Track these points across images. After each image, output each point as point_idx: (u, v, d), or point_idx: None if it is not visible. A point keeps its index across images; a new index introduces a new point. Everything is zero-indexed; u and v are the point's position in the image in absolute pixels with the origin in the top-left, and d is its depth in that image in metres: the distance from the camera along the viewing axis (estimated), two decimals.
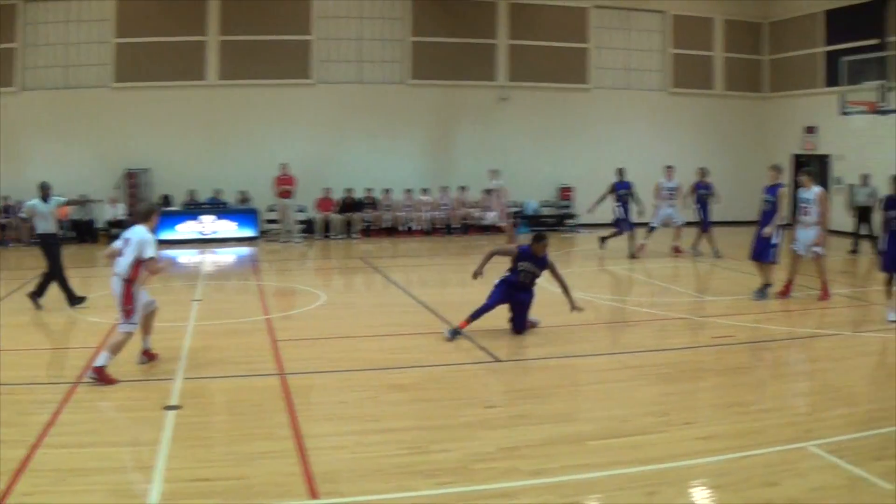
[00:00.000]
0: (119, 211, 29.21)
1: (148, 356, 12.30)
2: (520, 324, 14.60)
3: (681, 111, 35.97)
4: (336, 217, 31.31)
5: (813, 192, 17.83)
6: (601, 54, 35.25)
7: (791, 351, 14.33)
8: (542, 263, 14.59)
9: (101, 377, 11.10)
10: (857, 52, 28.85)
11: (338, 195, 31.61)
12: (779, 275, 18.51)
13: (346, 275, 24.09)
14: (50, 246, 17.06)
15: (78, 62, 30.27)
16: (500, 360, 13.05)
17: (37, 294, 16.78)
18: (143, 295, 12.03)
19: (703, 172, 25.63)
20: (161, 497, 7.63)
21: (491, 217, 29.28)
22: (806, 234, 17.94)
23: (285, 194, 29.38)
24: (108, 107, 30.32)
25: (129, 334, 11.74)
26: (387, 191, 32.12)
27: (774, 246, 17.97)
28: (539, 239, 14.63)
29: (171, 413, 9.96)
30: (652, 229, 25.64)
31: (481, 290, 14.91)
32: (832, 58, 31.14)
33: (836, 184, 30.95)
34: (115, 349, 11.49)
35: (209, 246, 28.58)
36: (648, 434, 9.45)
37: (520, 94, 34.06)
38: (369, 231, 31.68)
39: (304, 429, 9.44)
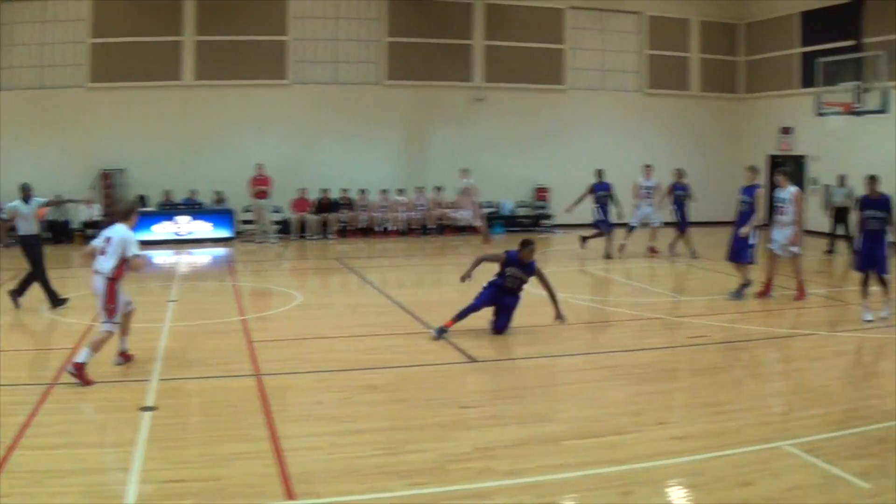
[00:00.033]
0: (94, 211, 29.07)
1: (124, 357, 12.24)
2: (500, 325, 14.60)
3: (656, 112, 36.08)
4: (312, 217, 31.26)
5: (789, 191, 17.93)
6: (577, 55, 35.32)
7: (767, 351, 14.39)
8: (530, 270, 14.60)
9: (80, 374, 11.05)
10: (832, 53, 28.99)
11: (313, 196, 31.56)
12: (757, 275, 18.58)
13: (321, 275, 24.04)
14: (32, 247, 16.96)
15: (53, 62, 30.10)
16: (475, 361, 13.04)
17: (17, 293, 16.71)
18: (122, 295, 11.99)
19: (679, 173, 25.71)
20: (137, 498, 7.59)
21: (462, 215, 29.21)
22: (782, 234, 18.05)
23: (261, 195, 29.31)
24: (83, 107, 30.18)
25: (110, 333, 11.73)
26: (362, 191, 32.06)
27: (752, 246, 18.08)
28: (526, 245, 14.60)
29: (147, 414, 9.91)
30: (631, 229, 25.77)
31: (457, 291, 14.96)
32: (808, 59, 31.30)
33: (811, 184, 31.08)
34: (96, 347, 11.47)
35: (185, 247, 28.47)
36: (623, 434, 9.46)
37: (495, 95, 34.09)
38: (345, 232, 31.63)
39: (279, 430, 9.41)
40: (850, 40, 29.49)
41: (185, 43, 31.06)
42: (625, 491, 7.86)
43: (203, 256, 27.28)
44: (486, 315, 14.65)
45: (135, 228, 12.12)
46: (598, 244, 25.57)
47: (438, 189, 32.57)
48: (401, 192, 32.60)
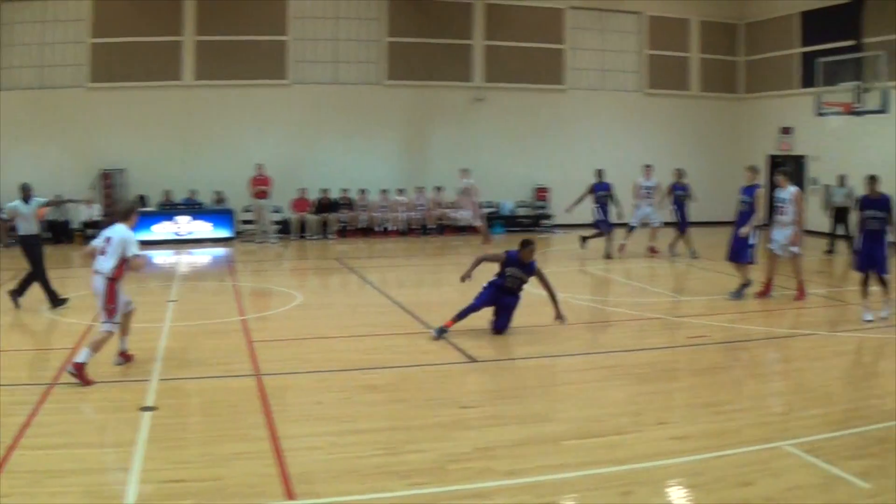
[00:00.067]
0: (94, 211, 29.07)
1: (124, 357, 12.24)
2: (500, 325, 14.60)
3: (656, 112, 36.08)
4: (312, 217, 31.26)
5: (789, 191, 17.94)
6: (577, 55, 35.32)
7: (767, 351, 14.38)
8: (530, 270, 14.59)
9: (81, 373, 11.06)
10: (832, 53, 28.98)
11: (313, 196, 31.55)
12: (756, 275, 18.59)
13: (321, 275, 24.03)
14: (32, 247, 16.95)
15: (53, 62, 30.09)
16: (475, 361, 13.03)
17: (17, 293, 16.71)
18: (122, 295, 12.00)
19: (679, 174, 25.72)
20: (137, 498, 7.58)
21: (462, 215, 29.21)
22: (782, 234, 18.07)
23: (261, 195, 29.30)
24: (83, 107, 30.16)
25: (110, 333, 11.76)
26: (362, 191, 32.06)
27: (752, 246, 18.09)
28: (526, 245, 14.60)
29: (147, 414, 9.91)
30: (632, 229, 25.79)
31: (458, 291, 14.95)
32: (808, 59, 31.29)
33: (811, 184, 31.08)
34: (96, 347, 11.49)
35: (184, 247, 28.46)
36: (623, 434, 9.46)
37: (495, 95, 34.09)
38: (345, 231, 31.62)
39: (279, 430, 9.41)
40: (850, 40, 29.49)
41: (185, 43, 31.06)
42: (625, 491, 7.86)
43: (203, 256, 27.27)
44: (485, 315, 14.65)
45: (135, 228, 12.14)
46: (598, 244, 25.57)
47: (438, 189, 32.56)
48: (401, 192, 32.60)
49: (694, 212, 26.01)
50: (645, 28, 35.98)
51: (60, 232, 28.77)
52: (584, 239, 25.84)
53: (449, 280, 19.11)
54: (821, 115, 28.40)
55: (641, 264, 24.52)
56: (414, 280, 23.36)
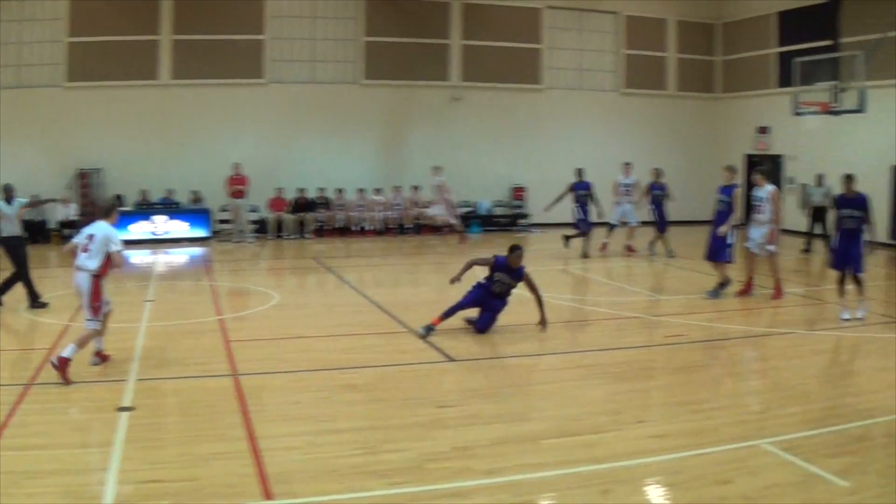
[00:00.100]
0: (71, 211, 28.94)
1: (101, 357, 12.20)
2: (483, 325, 14.60)
3: (634, 112, 36.15)
4: (289, 217, 31.18)
5: (766, 190, 18.04)
6: (554, 55, 35.33)
7: (744, 349, 14.44)
8: (518, 275, 14.64)
9: (63, 368, 11.06)
10: (810, 53, 29.02)
11: (290, 195, 31.46)
12: (735, 274, 18.68)
13: (299, 275, 23.97)
14: (15, 248, 16.83)
15: (30, 62, 29.85)
16: (453, 360, 13.02)
17: None
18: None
19: (657, 173, 25.78)
20: (115, 499, 7.56)
21: (435, 212, 29.18)
22: (759, 232, 18.17)
23: (238, 194, 29.21)
24: (60, 106, 29.95)
25: (95, 330, 11.82)
26: (340, 190, 31.99)
27: (730, 245, 18.17)
28: (513, 250, 14.66)
29: (125, 414, 9.87)
30: (612, 227, 25.86)
31: (434, 291, 14.99)
32: (785, 59, 31.34)
33: (788, 183, 31.20)
34: (82, 343, 11.55)
35: (161, 246, 28.33)
36: (601, 433, 9.48)
37: (473, 95, 34.08)
38: (322, 231, 31.55)
39: (257, 430, 9.38)
40: (828, 40, 29.59)
41: (162, 42, 30.91)
42: (604, 489, 7.86)
43: (180, 256, 27.15)
44: (463, 314, 14.67)
45: (116, 225, 12.15)
46: (579, 243, 25.57)
47: (415, 188, 32.50)
48: (378, 191, 32.54)
49: (672, 211, 26.05)
50: (622, 28, 36.02)
51: (37, 232, 28.56)
52: (567, 238, 25.80)
53: (426, 280, 19.17)
54: (798, 114, 28.46)
55: (620, 263, 24.60)
56: (391, 279, 23.31)
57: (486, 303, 14.62)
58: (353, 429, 9.60)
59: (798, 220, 27.87)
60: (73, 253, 11.99)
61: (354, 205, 32.06)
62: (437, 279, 14.75)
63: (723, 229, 18.00)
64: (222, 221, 30.85)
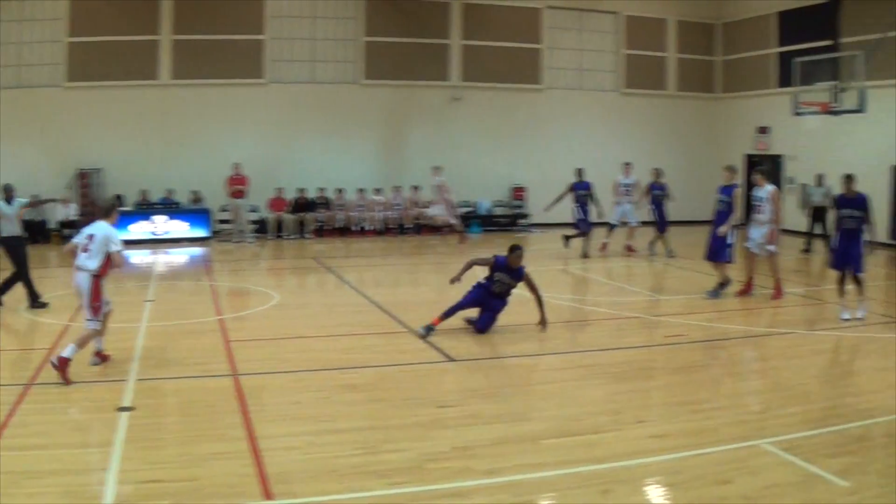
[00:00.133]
0: (71, 211, 28.92)
1: (101, 357, 12.20)
2: (483, 325, 14.59)
3: (634, 112, 36.13)
4: (289, 217, 31.17)
5: (766, 190, 18.03)
6: (554, 55, 35.31)
7: (744, 349, 14.43)
8: (518, 276, 14.63)
9: (63, 368, 11.05)
10: (809, 52, 29.00)
11: (290, 195, 31.44)
12: (735, 274, 18.67)
13: (299, 275, 23.95)
14: (16, 248, 16.82)
15: (30, 62, 29.82)
16: (453, 360, 13.02)
17: None
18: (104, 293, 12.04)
19: (657, 173, 25.77)
20: (115, 499, 7.56)
21: (435, 212, 29.16)
22: (759, 232, 18.16)
23: (238, 194, 29.20)
24: (60, 106, 29.93)
25: (95, 330, 11.83)
26: (340, 190, 31.98)
27: (730, 245, 18.17)
28: (513, 250, 14.65)
29: (125, 414, 9.86)
30: (612, 227, 25.86)
31: (434, 291, 14.98)
32: (785, 59, 31.32)
33: (788, 183, 31.19)
34: (82, 343, 11.55)
35: (161, 246, 28.31)
36: (602, 433, 9.47)
37: (473, 95, 34.06)
38: (322, 231, 31.53)
39: (257, 430, 9.38)
40: (828, 40, 29.58)
41: (162, 42, 30.89)
42: (604, 489, 7.86)
43: (180, 256, 27.14)
44: (462, 314, 14.66)
45: (116, 225, 12.16)
46: (579, 243, 25.56)
47: (415, 188, 32.49)
48: (378, 191, 32.53)
49: (672, 211, 26.04)
50: (622, 28, 36.01)
51: (37, 232, 28.52)
52: (567, 238, 25.78)
53: (426, 280, 19.16)
54: (798, 114, 28.44)
55: (620, 263, 24.59)
56: (391, 279, 23.29)
57: (486, 303, 14.61)
58: (353, 429, 9.59)
59: (798, 220, 27.86)
60: (73, 253, 11.99)
61: (354, 205, 32.05)
62: (437, 279, 14.72)
63: (723, 229, 17.99)
64: (222, 221, 30.83)
